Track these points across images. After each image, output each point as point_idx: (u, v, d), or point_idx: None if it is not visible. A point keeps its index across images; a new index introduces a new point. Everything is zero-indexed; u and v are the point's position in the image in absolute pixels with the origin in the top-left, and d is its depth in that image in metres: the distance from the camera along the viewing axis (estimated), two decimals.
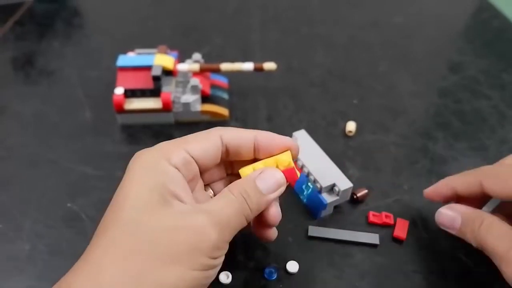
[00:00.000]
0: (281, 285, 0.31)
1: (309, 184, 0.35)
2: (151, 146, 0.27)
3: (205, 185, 0.30)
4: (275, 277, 0.31)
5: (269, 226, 0.29)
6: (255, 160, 0.29)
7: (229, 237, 0.25)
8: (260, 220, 0.28)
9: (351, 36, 0.53)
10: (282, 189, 0.27)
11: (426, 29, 0.55)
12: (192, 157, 0.26)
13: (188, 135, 0.28)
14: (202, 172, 0.28)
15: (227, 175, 0.31)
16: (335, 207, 0.35)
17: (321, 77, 0.48)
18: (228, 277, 0.31)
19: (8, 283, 0.31)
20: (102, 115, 0.43)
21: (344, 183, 0.34)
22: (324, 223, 0.34)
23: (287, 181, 0.28)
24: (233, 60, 0.43)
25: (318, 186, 0.34)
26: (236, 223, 0.25)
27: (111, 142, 0.41)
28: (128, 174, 0.25)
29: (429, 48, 0.52)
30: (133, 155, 0.26)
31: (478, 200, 0.32)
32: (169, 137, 0.41)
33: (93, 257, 0.23)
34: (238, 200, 0.25)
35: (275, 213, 0.28)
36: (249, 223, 0.30)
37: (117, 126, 0.42)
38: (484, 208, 0.33)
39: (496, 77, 0.49)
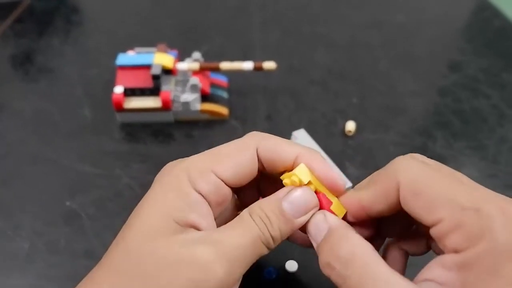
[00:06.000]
0: (280, 284, 0.31)
1: None
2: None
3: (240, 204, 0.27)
4: (274, 276, 0.31)
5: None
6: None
7: (240, 273, 0.22)
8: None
9: (351, 36, 0.53)
10: (314, 211, 0.23)
11: (426, 29, 0.55)
12: (223, 180, 0.23)
13: (221, 147, 0.24)
14: (235, 191, 0.24)
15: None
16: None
17: (321, 76, 0.48)
18: None
19: (7, 281, 0.31)
20: (102, 114, 0.43)
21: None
22: None
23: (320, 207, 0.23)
24: (233, 59, 0.43)
25: None
26: (252, 255, 0.22)
27: (111, 140, 0.41)
28: (151, 190, 0.23)
29: (429, 47, 0.52)
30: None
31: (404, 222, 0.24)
32: (169, 136, 0.42)
33: (96, 280, 0.22)
34: (258, 226, 0.22)
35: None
36: None
37: (117, 124, 0.42)
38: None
39: (496, 77, 0.48)
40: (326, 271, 0.22)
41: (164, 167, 0.24)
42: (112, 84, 0.41)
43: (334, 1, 0.59)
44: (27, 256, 0.32)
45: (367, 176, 0.38)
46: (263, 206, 0.23)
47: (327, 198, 0.23)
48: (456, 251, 0.19)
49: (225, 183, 0.23)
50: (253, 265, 0.32)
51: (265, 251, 0.22)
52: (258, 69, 0.42)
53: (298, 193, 0.23)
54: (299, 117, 0.43)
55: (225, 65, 0.42)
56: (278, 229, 0.22)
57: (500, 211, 0.19)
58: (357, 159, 0.39)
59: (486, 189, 0.21)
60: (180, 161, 0.24)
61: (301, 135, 0.37)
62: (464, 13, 0.59)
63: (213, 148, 0.24)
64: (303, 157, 0.23)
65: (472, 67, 0.50)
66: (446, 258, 0.20)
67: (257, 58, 0.49)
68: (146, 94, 0.41)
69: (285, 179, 0.23)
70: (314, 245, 0.23)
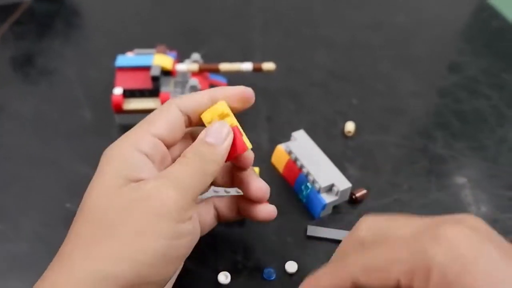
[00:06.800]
0: (280, 285, 0.31)
1: (308, 184, 0.35)
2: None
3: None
4: (274, 277, 0.31)
5: (259, 201, 0.29)
6: None
7: (192, 196, 0.24)
8: (250, 199, 0.29)
9: (351, 37, 0.53)
10: (230, 137, 0.27)
11: (426, 29, 0.55)
12: (159, 137, 0.26)
13: (149, 115, 0.28)
14: (169, 147, 0.28)
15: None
16: (334, 207, 0.35)
17: (321, 78, 0.48)
18: (227, 277, 0.31)
19: (7, 283, 0.31)
20: (101, 115, 0.43)
21: (343, 183, 0.34)
22: (323, 223, 0.34)
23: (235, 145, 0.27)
24: (232, 61, 0.43)
25: (317, 186, 0.34)
26: (197, 180, 0.25)
27: (110, 142, 0.40)
28: (98, 166, 0.26)
29: (429, 48, 0.52)
30: None
31: None
32: None
33: (63, 252, 0.23)
34: (190, 159, 0.25)
35: (258, 186, 0.29)
36: (241, 211, 0.30)
37: (116, 126, 0.42)
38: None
39: (496, 77, 0.48)
40: None
41: (107, 148, 0.27)
42: (112, 85, 0.41)
43: (334, 2, 0.59)
44: (26, 257, 0.32)
45: (367, 178, 0.38)
46: (192, 146, 0.26)
47: (239, 130, 0.27)
48: None
49: (162, 141, 0.26)
50: (252, 265, 0.32)
51: (207, 179, 0.26)
52: (257, 70, 0.42)
53: (213, 126, 0.26)
54: (299, 118, 0.43)
55: (224, 66, 0.42)
56: (211, 157, 0.26)
57: (432, 238, 0.20)
58: (357, 161, 0.39)
59: (418, 219, 0.22)
60: (118, 139, 0.27)
61: (300, 136, 0.37)
62: (463, 14, 0.59)
63: (143, 119, 0.28)
64: (214, 93, 0.28)
65: (472, 68, 0.50)
66: None
67: (257, 59, 0.49)
68: (146, 95, 0.41)
69: (205, 115, 0.27)
70: None
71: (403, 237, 0.21)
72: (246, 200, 0.30)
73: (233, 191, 0.33)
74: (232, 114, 0.28)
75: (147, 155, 0.25)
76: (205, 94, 0.28)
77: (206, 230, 0.30)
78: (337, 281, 0.22)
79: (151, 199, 0.23)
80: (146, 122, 0.27)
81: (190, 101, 0.28)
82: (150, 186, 0.24)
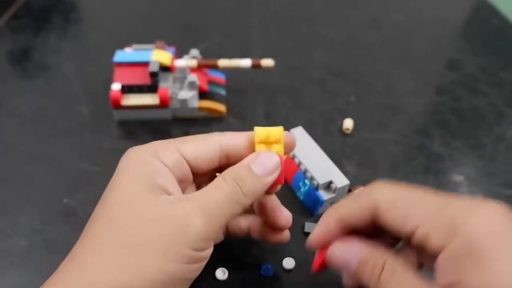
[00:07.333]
0: (277, 282, 0.31)
1: (306, 181, 0.35)
2: (148, 142, 0.27)
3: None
4: (271, 273, 0.31)
5: (281, 229, 0.29)
6: None
7: (218, 226, 0.23)
8: (272, 225, 0.28)
9: (350, 35, 0.53)
10: (278, 172, 0.26)
11: (425, 28, 0.55)
12: (185, 158, 0.25)
13: (188, 136, 0.27)
14: (196, 175, 0.27)
15: None
16: (332, 204, 0.35)
17: (320, 75, 0.48)
18: (224, 273, 0.31)
19: (5, 278, 0.31)
20: (100, 111, 0.43)
21: (341, 180, 0.34)
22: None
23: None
24: (231, 57, 0.43)
25: (315, 183, 0.34)
26: (227, 210, 0.24)
27: (108, 138, 0.41)
28: (118, 169, 0.25)
29: (428, 47, 0.52)
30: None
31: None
32: (167, 133, 0.42)
33: (77, 254, 0.23)
34: (229, 185, 0.24)
35: (285, 215, 0.28)
36: (251, 231, 0.30)
37: (115, 122, 0.42)
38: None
39: (494, 75, 0.49)
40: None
41: (127, 151, 0.26)
42: (110, 81, 0.41)
43: (334, 0, 0.59)
44: (25, 254, 0.32)
45: (365, 175, 0.38)
46: (236, 169, 0.25)
47: (283, 160, 0.26)
48: (439, 250, 0.21)
49: (187, 162, 0.25)
50: (249, 262, 0.32)
51: (238, 210, 0.24)
52: (256, 66, 0.42)
53: (263, 155, 0.25)
54: (297, 115, 0.43)
55: (223, 62, 0.42)
56: (251, 187, 0.24)
57: (466, 209, 0.22)
58: (355, 158, 0.39)
59: (454, 195, 0.23)
60: (142, 145, 0.26)
61: (299, 133, 0.37)
62: (462, 12, 0.59)
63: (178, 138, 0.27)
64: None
65: (471, 66, 0.50)
66: (440, 261, 0.21)
67: (256, 56, 0.48)
68: (144, 91, 0.41)
69: (260, 132, 0.26)
70: (349, 275, 0.25)
71: (431, 202, 0.23)
72: (262, 223, 0.29)
73: None
74: (283, 143, 0.26)
75: (168, 168, 0.25)
76: (249, 137, 0.26)
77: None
78: (358, 210, 0.24)
79: (178, 223, 0.22)
80: (178, 139, 0.26)
81: (234, 141, 0.26)
82: (179, 209, 0.23)
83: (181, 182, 0.26)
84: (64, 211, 0.35)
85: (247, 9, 0.56)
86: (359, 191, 0.26)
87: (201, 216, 0.23)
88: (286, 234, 0.30)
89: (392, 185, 0.24)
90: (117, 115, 0.41)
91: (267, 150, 0.26)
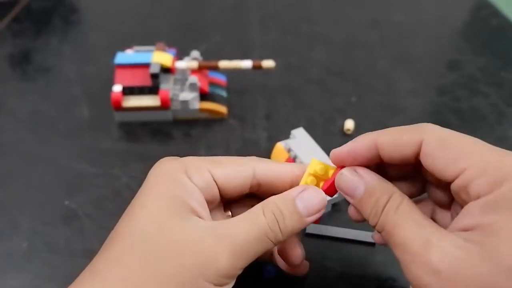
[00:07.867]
0: (280, 283, 0.31)
1: None
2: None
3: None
4: (273, 274, 0.31)
5: (291, 264, 0.27)
6: None
7: (244, 264, 0.22)
8: (282, 257, 0.27)
9: (350, 35, 0.53)
10: (321, 213, 0.24)
11: (425, 28, 0.55)
12: (216, 181, 0.24)
13: (221, 157, 0.25)
14: (225, 199, 0.25)
15: None
16: (333, 205, 0.35)
17: (320, 75, 0.48)
18: None
19: (5, 280, 0.31)
20: (100, 113, 0.43)
21: None
22: (322, 221, 0.34)
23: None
24: (232, 58, 0.43)
25: None
26: (258, 248, 0.22)
27: (109, 139, 0.41)
28: (147, 181, 0.24)
29: (428, 47, 0.52)
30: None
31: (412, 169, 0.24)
32: (167, 135, 0.42)
33: (99, 269, 0.22)
34: (267, 220, 0.22)
35: (297, 253, 0.25)
36: (271, 255, 0.28)
37: (115, 123, 0.42)
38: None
39: (495, 75, 0.49)
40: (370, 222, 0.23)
41: (160, 160, 0.25)
42: (111, 83, 0.41)
43: (333, 0, 0.59)
44: (25, 255, 0.32)
45: None
46: (278, 202, 0.23)
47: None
48: (479, 196, 0.20)
49: (217, 186, 0.24)
50: (254, 263, 0.32)
51: (271, 246, 0.23)
52: (257, 67, 0.42)
53: (311, 192, 0.23)
54: (297, 115, 0.43)
55: (224, 63, 0.42)
56: (290, 225, 0.23)
57: None
58: None
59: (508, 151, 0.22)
60: (176, 157, 0.25)
61: (300, 134, 0.37)
62: (462, 12, 0.59)
63: (212, 157, 0.25)
64: (299, 174, 0.25)
65: (471, 66, 0.50)
66: (470, 205, 0.20)
67: (256, 56, 0.49)
68: (145, 92, 0.41)
69: (316, 163, 0.24)
70: (353, 202, 0.23)
71: (483, 149, 0.21)
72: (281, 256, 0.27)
73: None
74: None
75: (198, 188, 0.24)
76: (289, 169, 0.25)
77: None
78: (398, 141, 0.22)
79: (204, 257, 0.21)
80: (212, 159, 0.25)
81: (270, 170, 0.25)
82: (207, 242, 0.21)
83: (209, 203, 0.24)
84: (65, 212, 0.35)
85: (247, 9, 0.57)
86: (404, 126, 0.23)
87: (229, 255, 0.21)
88: (303, 267, 0.28)
89: (440, 127, 0.22)
90: (118, 116, 0.41)
91: (315, 186, 0.24)
